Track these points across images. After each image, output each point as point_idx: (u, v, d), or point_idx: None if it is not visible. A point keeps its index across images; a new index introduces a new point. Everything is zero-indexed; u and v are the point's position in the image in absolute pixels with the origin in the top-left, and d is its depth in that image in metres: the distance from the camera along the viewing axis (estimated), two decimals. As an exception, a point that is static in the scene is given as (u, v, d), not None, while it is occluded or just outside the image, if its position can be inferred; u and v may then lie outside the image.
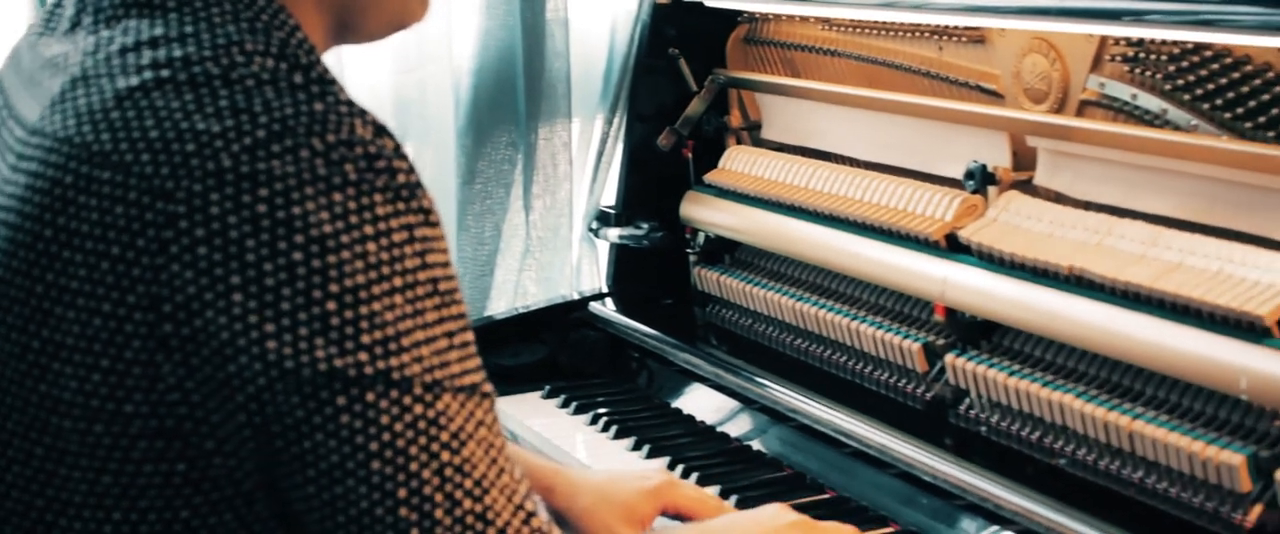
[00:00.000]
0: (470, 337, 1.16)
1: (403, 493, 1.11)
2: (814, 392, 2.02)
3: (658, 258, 2.52)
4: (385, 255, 1.10)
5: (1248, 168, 1.65)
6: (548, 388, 2.31)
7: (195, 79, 1.13)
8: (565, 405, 2.25)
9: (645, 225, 2.50)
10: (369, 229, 1.09)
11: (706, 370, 2.21)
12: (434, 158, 2.37)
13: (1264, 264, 1.59)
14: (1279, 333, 1.54)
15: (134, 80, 1.14)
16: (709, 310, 2.41)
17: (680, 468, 1.98)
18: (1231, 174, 1.67)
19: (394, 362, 1.10)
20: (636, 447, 2.08)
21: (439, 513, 1.12)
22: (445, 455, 1.13)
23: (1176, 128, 1.76)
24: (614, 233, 2.52)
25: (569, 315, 2.45)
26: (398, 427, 1.11)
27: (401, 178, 1.12)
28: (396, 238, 1.11)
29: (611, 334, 2.41)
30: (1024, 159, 1.96)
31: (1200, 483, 1.60)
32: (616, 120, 2.52)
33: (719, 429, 2.14)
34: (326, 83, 1.16)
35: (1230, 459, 1.55)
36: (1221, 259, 1.63)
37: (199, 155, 1.09)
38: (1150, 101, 1.80)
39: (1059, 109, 1.93)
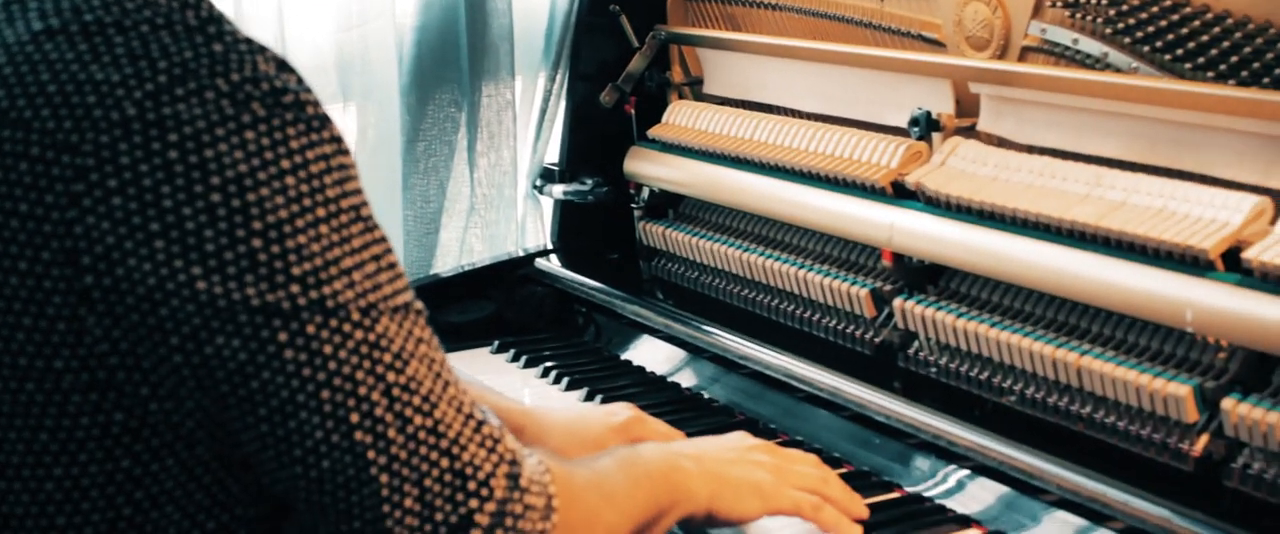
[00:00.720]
0: (395, 258, 1.18)
1: (355, 418, 1.13)
2: (763, 341, 2.04)
3: (602, 213, 2.54)
4: (305, 187, 1.11)
5: (1188, 107, 1.68)
6: (497, 343, 2.32)
7: (87, 28, 1.12)
8: (515, 359, 2.27)
9: (590, 181, 2.52)
10: (285, 163, 1.10)
11: (655, 322, 2.23)
12: (378, 116, 2.37)
13: (1206, 200, 1.62)
14: (1222, 266, 1.58)
15: (24, 33, 1.13)
16: (654, 264, 2.42)
17: (628, 411, 1.99)
18: (1172, 114, 1.71)
19: (327, 290, 1.11)
20: (589, 397, 2.09)
21: (392, 432, 1.14)
22: (391, 376, 1.14)
23: (1118, 71, 1.80)
24: (558, 189, 2.54)
25: (515, 272, 2.46)
26: (342, 354, 1.12)
27: (310, 109, 1.13)
28: (314, 169, 1.12)
29: (558, 289, 2.43)
30: (967, 106, 1.99)
31: (1148, 415, 1.64)
32: (559, 77, 2.53)
33: (670, 379, 2.17)
34: (221, 22, 1.15)
35: (1177, 391, 1.59)
36: (1164, 197, 1.67)
37: (101, 106, 1.09)
38: (1091, 46, 1.84)
39: (1001, 56, 1.96)
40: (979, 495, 1.68)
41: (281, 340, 1.11)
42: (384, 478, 1.15)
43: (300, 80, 1.15)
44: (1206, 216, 1.61)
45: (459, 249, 2.49)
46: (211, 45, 1.12)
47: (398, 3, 2.37)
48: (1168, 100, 1.70)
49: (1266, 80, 1.65)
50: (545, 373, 2.19)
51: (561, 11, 2.51)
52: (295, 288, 1.11)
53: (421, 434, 1.17)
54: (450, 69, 2.43)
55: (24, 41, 1.13)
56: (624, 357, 2.27)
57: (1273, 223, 1.57)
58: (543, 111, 2.53)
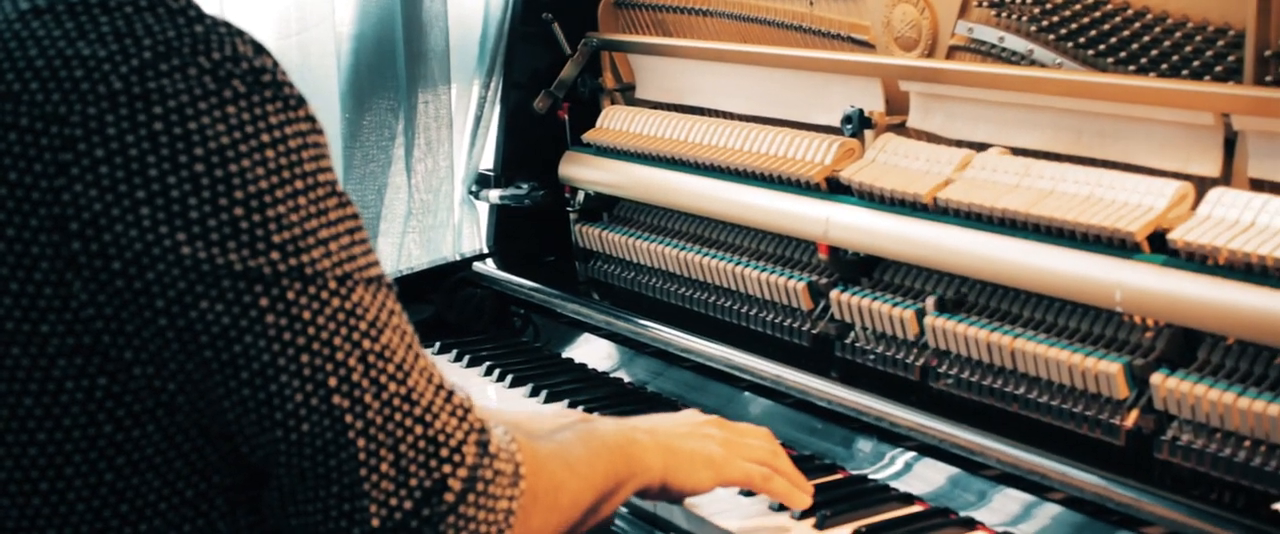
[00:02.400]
0: (366, 234, 1.23)
1: (333, 382, 1.17)
2: (702, 336, 2.09)
3: (537, 218, 2.59)
4: (284, 160, 1.16)
5: (1111, 99, 1.76)
6: (438, 344, 2.36)
7: (73, 8, 1.17)
8: (458, 359, 2.30)
9: (526, 185, 2.56)
10: (265, 137, 1.15)
11: (595, 319, 2.28)
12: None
13: (1130, 186, 1.70)
14: (1148, 248, 1.66)
15: (11, 12, 1.18)
16: (590, 266, 2.47)
17: (579, 411, 2.04)
18: (1096, 106, 1.79)
19: (305, 258, 1.16)
20: (533, 394, 2.14)
21: (368, 398, 1.19)
22: (366, 343, 1.19)
23: (1043, 66, 1.88)
24: (495, 194, 2.58)
25: (453, 276, 2.50)
26: (320, 320, 1.17)
27: (287, 90, 1.19)
28: (292, 144, 1.17)
29: (496, 292, 2.47)
30: (897, 105, 2.06)
31: (1081, 393, 1.71)
32: (493, 85, 2.57)
33: (611, 375, 2.21)
34: (199, 7, 1.20)
35: (1108, 368, 1.67)
36: (1091, 184, 1.74)
37: (88, 79, 1.14)
38: (1017, 43, 1.91)
39: (929, 55, 2.03)
40: (922, 474, 1.75)
41: (263, 305, 1.15)
42: (361, 442, 1.19)
43: (276, 63, 1.20)
44: (1132, 202, 1.69)
45: (397, 254, 2.53)
46: (193, 26, 1.16)
47: (337, 10, 2.41)
48: (1091, 93, 1.78)
49: (1185, 72, 1.73)
50: (489, 370, 2.23)
51: (495, 20, 2.56)
52: (276, 255, 1.15)
53: (396, 400, 1.21)
54: (387, 76, 2.47)
55: (12, 20, 1.17)
56: (565, 354, 2.31)
57: (1194, 207, 1.65)
58: (478, 118, 2.57)
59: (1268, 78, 1.64)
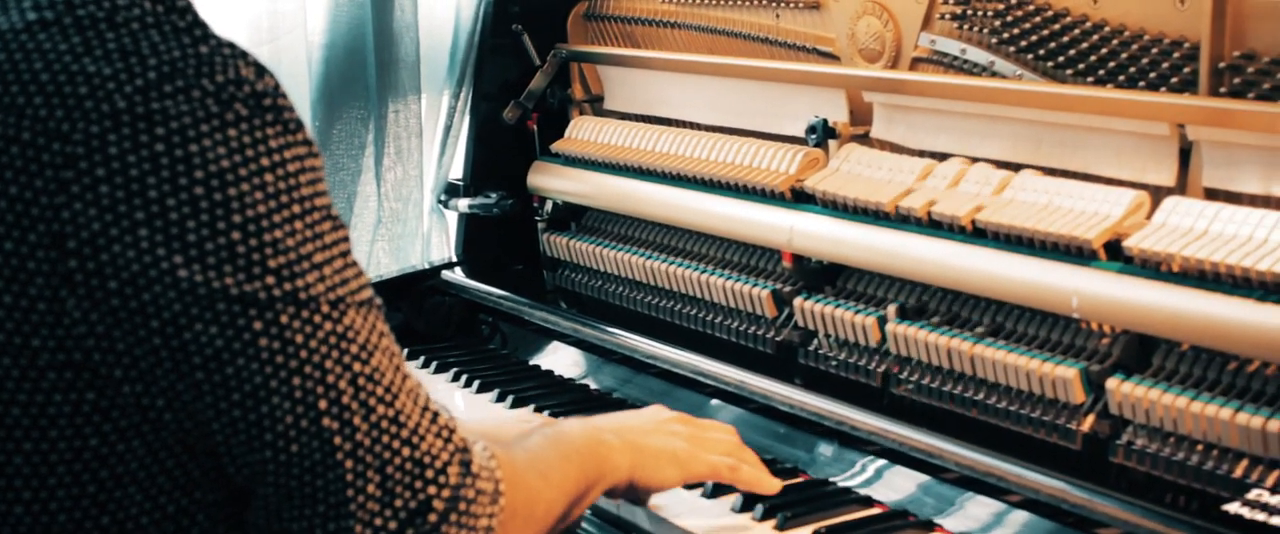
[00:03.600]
0: (354, 257, 1.25)
1: (323, 405, 1.19)
2: (668, 343, 2.11)
3: (506, 227, 2.61)
4: (282, 184, 1.18)
5: (1069, 109, 1.79)
6: (407, 351, 2.37)
7: (80, 22, 1.18)
8: (425, 366, 2.32)
9: (494, 195, 2.58)
10: (264, 161, 1.17)
11: (562, 327, 2.30)
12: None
13: (1088, 195, 1.73)
14: (1104, 256, 1.69)
15: (18, 22, 1.19)
16: (558, 275, 2.49)
17: (545, 415, 2.06)
18: (1055, 117, 1.82)
19: (300, 282, 1.18)
20: (499, 399, 2.15)
21: (357, 420, 1.21)
22: (357, 366, 1.21)
23: (1004, 77, 1.91)
24: (463, 203, 2.60)
25: (422, 284, 2.52)
26: (313, 344, 1.18)
27: (287, 113, 1.20)
28: (290, 168, 1.18)
29: (465, 300, 2.49)
30: (861, 115, 2.09)
31: (1038, 398, 1.74)
32: (463, 95, 2.59)
33: (578, 381, 2.23)
34: (205, 26, 1.22)
35: (1065, 374, 1.69)
36: (1049, 193, 1.77)
37: (92, 97, 1.14)
38: (978, 55, 1.95)
39: (893, 66, 2.06)
40: (883, 477, 1.77)
41: (257, 329, 1.17)
42: (349, 463, 1.21)
43: (278, 85, 1.21)
44: (1089, 210, 1.72)
45: (366, 262, 2.54)
46: (198, 47, 1.17)
47: (309, 19, 2.43)
48: (1050, 104, 1.81)
49: (1142, 83, 1.76)
50: (456, 377, 2.25)
51: (466, 31, 2.58)
52: (271, 279, 1.17)
53: (383, 423, 1.23)
54: (358, 85, 2.48)
55: (17, 30, 1.18)
56: (532, 361, 2.33)
57: (1150, 215, 1.68)
58: (447, 127, 2.60)
59: (1222, 89, 1.67)
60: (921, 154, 1.99)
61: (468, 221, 2.63)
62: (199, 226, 1.15)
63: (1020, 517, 1.62)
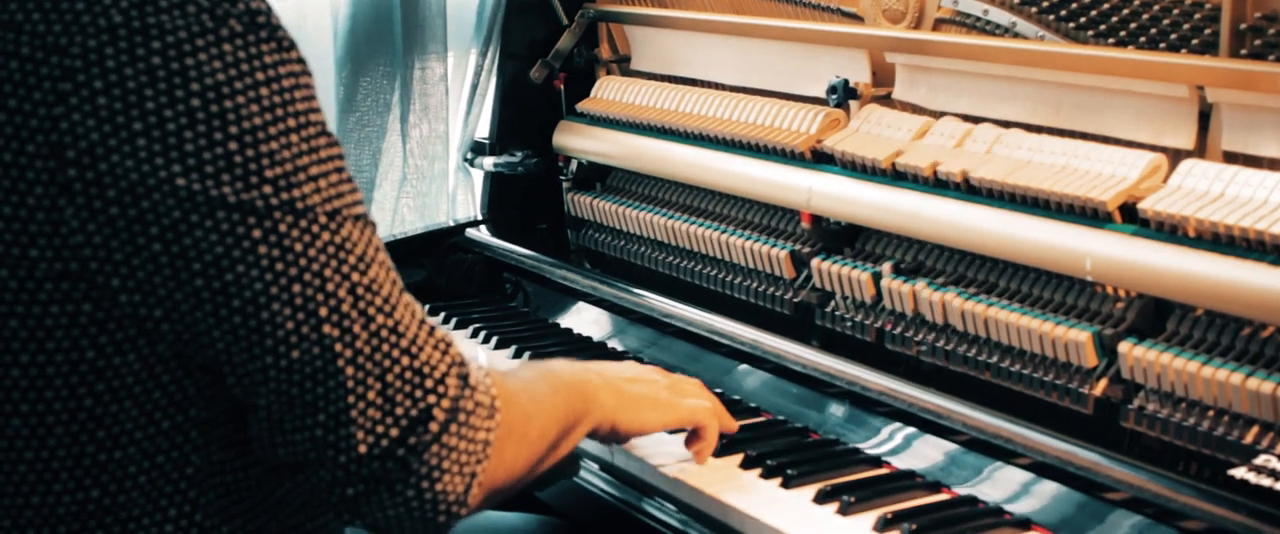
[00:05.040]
0: (351, 174, 1.26)
1: (324, 312, 1.21)
2: (688, 303, 2.11)
3: (531, 186, 2.61)
4: (277, 98, 1.20)
5: (1088, 71, 1.77)
6: (427, 307, 2.38)
7: None
8: (446, 322, 2.33)
9: (520, 154, 2.58)
10: (259, 76, 1.19)
11: (582, 285, 2.30)
12: (313, 83, 2.42)
13: (1105, 157, 1.72)
14: (1120, 218, 1.67)
15: None
16: (582, 234, 2.49)
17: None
18: (1075, 78, 1.80)
19: (297, 192, 1.20)
20: (517, 355, 2.16)
21: (356, 328, 1.23)
22: (355, 276, 1.23)
23: (1025, 39, 1.89)
24: (489, 162, 2.60)
25: (446, 241, 2.53)
26: (311, 252, 1.21)
27: (280, 32, 1.23)
28: (285, 83, 1.21)
29: (488, 257, 2.49)
30: (883, 77, 2.08)
31: (1051, 362, 1.72)
32: (490, 54, 2.59)
33: (595, 340, 2.23)
34: None
35: (1078, 337, 1.68)
36: (1067, 155, 1.76)
37: (89, 12, 1.17)
38: (1001, 16, 1.93)
39: (916, 28, 2.04)
40: (896, 439, 1.76)
41: (256, 236, 1.19)
42: (350, 370, 1.23)
43: (270, 7, 1.23)
44: (1105, 172, 1.70)
45: (391, 218, 2.55)
46: None
47: (335, -25, 2.44)
48: (1069, 65, 1.79)
49: (1163, 45, 1.74)
50: (475, 333, 2.26)
51: (493, -11, 2.58)
52: (268, 189, 1.19)
53: (383, 332, 1.25)
54: (384, 42, 2.49)
55: None
56: (552, 319, 2.33)
57: (1166, 178, 1.66)
58: (474, 87, 2.60)
59: (1243, 51, 1.65)
60: (943, 116, 1.97)
61: (493, 180, 2.63)
62: (196, 137, 1.17)
63: (1028, 478, 1.61)
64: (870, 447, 1.77)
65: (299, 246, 1.20)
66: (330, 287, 1.22)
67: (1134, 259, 1.63)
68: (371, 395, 1.24)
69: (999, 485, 1.63)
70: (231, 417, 1.28)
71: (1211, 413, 1.56)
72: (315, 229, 1.21)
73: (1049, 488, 1.59)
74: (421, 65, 2.52)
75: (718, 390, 1.95)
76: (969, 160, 1.83)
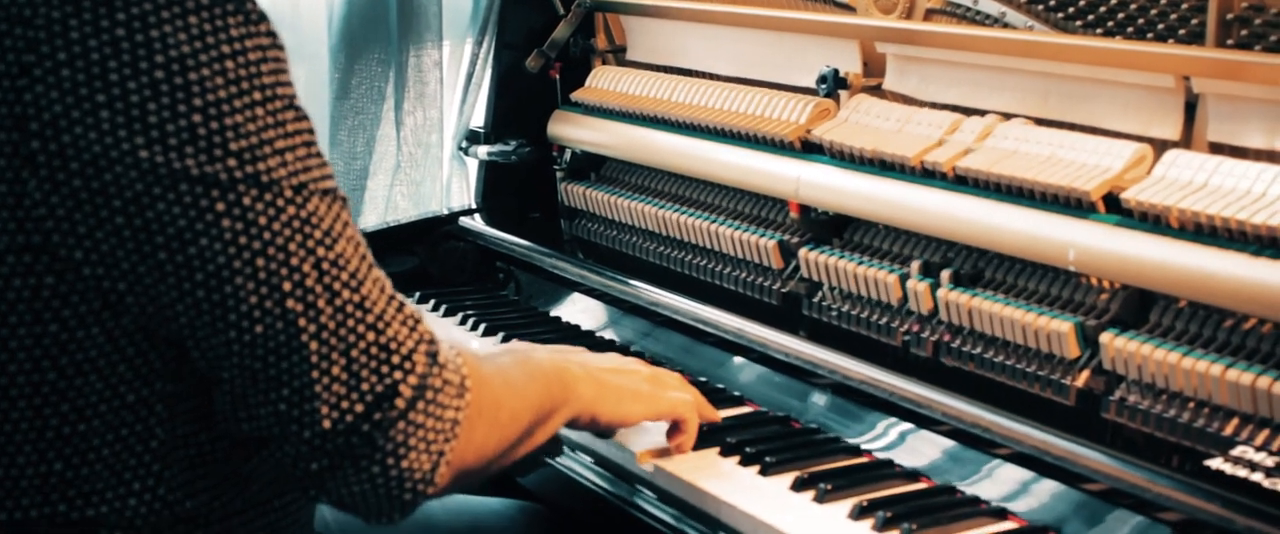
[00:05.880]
0: (320, 150, 1.26)
1: (287, 286, 1.20)
2: (677, 292, 2.10)
3: (526, 175, 2.61)
4: (243, 71, 1.19)
5: (1075, 61, 1.76)
6: (418, 294, 2.38)
7: None
8: (435, 309, 2.32)
9: (514, 142, 2.58)
10: (226, 48, 1.18)
11: (573, 274, 2.29)
12: (307, 72, 2.42)
13: (1091, 148, 1.71)
14: (1104, 208, 1.66)
15: None
16: (575, 224, 2.49)
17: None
18: (1063, 69, 1.79)
19: (262, 166, 1.19)
20: (505, 342, 2.15)
21: (321, 303, 1.22)
22: (321, 251, 1.22)
23: (1014, 30, 1.88)
24: (483, 150, 2.60)
25: (440, 229, 2.53)
26: (276, 226, 1.20)
27: (249, 5, 1.22)
28: (252, 56, 1.20)
29: (481, 246, 2.49)
30: (875, 67, 2.07)
31: (1033, 353, 1.71)
32: (486, 43, 2.59)
33: (584, 328, 2.23)
34: None
35: (1060, 327, 1.67)
36: (1053, 145, 1.75)
37: None
38: (990, 6, 1.92)
39: (907, 18, 2.04)
40: (880, 429, 1.75)
41: (219, 210, 1.18)
42: (314, 345, 1.22)
43: None
44: (1090, 163, 1.69)
45: (385, 205, 2.55)
46: None
47: (329, -38, 2.43)
48: (1055, 55, 1.79)
49: (1150, 35, 1.73)
50: (464, 320, 2.25)
51: (489, -22, 2.58)
52: (232, 162, 1.19)
53: (349, 307, 1.24)
54: (379, 29, 2.49)
55: None
56: (542, 309, 2.33)
57: (1151, 169, 1.65)
58: (469, 75, 2.59)
59: (1229, 41, 1.64)
60: (933, 106, 1.97)
61: (488, 169, 2.63)
62: (159, 109, 1.16)
63: (1007, 469, 1.60)
64: (852, 436, 1.76)
65: (263, 220, 1.20)
66: (294, 261, 1.21)
67: (1116, 249, 1.62)
68: (336, 371, 1.23)
69: (980, 476, 1.62)
70: (197, 390, 1.28)
71: (1192, 405, 1.55)
72: (280, 203, 1.21)
73: (1027, 478, 1.58)
74: (416, 53, 2.52)
75: (703, 380, 1.95)
76: (956, 150, 1.83)
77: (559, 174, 2.54)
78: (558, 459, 1.81)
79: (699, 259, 2.21)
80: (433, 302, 2.35)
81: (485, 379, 1.36)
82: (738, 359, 1.98)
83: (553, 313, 2.31)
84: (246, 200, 1.19)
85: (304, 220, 1.22)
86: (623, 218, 2.37)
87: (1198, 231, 1.56)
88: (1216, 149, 1.65)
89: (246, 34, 1.20)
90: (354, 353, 1.24)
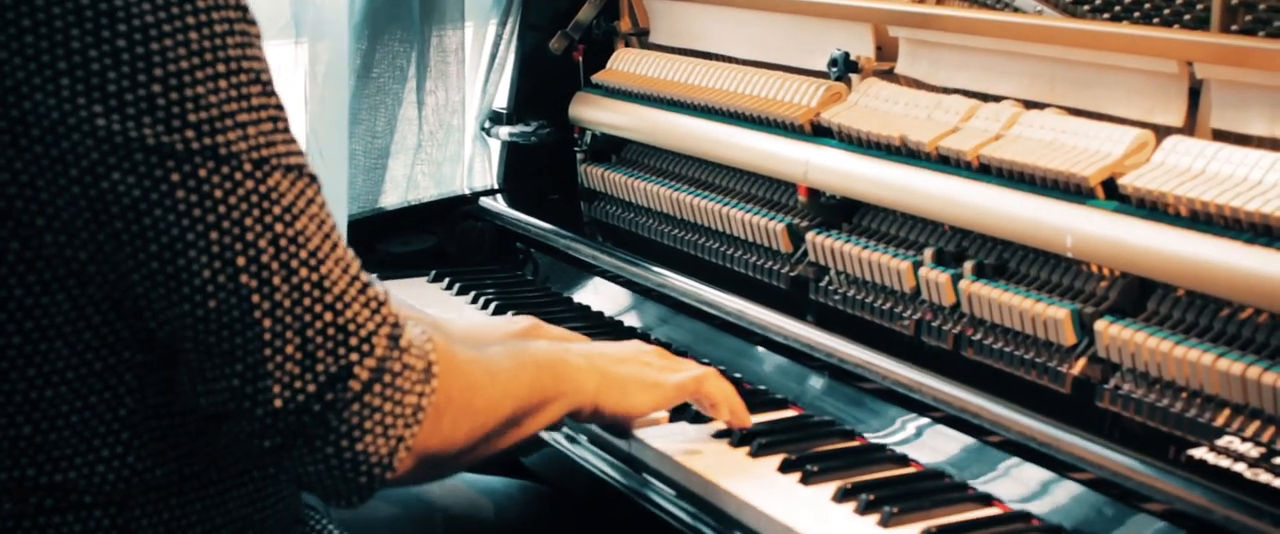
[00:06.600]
0: (290, 126, 1.26)
1: (241, 261, 1.20)
2: (690, 276, 2.09)
3: (548, 157, 2.61)
4: (207, 43, 1.19)
5: (1079, 45, 1.74)
6: (434, 272, 2.39)
7: None
8: (449, 287, 2.33)
9: (534, 123, 2.58)
10: (191, 19, 1.18)
11: (584, 254, 2.29)
12: (330, 51, 2.43)
13: (1093, 133, 1.69)
14: (1102, 194, 1.64)
15: None
16: (594, 206, 2.49)
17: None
18: (1070, 54, 1.77)
19: (221, 138, 1.19)
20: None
21: (277, 280, 1.21)
22: (279, 227, 1.22)
23: (1023, 14, 1.86)
24: (504, 131, 2.61)
25: (460, 209, 2.54)
26: (232, 200, 1.20)
27: None
28: (218, 29, 1.20)
29: (498, 226, 2.50)
30: (888, 51, 2.06)
31: (1030, 339, 1.70)
32: (510, 24, 2.59)
33: (594, 308, 2.23)
34: None
35: (1056, 314, 1.65)
36: (1056, 130, 1.73)
37: None
38: (1001, -11, 1.90)
39: (920, 1, 2.02)
40: (880, 414, 1.75)
41: (174, 180, 1.19)
42: (267, 323, 1.22)
43: None
44: (1091, 148, 1.67)
45: (406, 185, 2.56)
46: None
47: (352, -59, 2.44)
48: (1059, 39, 1.77)
49: (1156, 20, 1.71)
50: (475, 298, 2.26)
51: (514, -40, 2.58)
52: (190, 133, 1.18)
53: (306, 286, 1.24)
54: (402, 9, 2.49)
55: None
56: (556, 290, 2.33)
57: (1151, 156, 1.63)
58: (492, 56, 2.60)
59: (1233, 26, 1.61)
60: (944, 91, 1.95)
61: (510, 150, 2.63)
62: (119, 78, 1.17)
63: (997, 455, 1.58)
64: (848, 422, 1.75)
65: (218, 194, 1.20)
66: (250, 236, 1.21)
67: (1113, 236, 1.61)
68: (289, 349, 1.23)
69: (972, 462, 1.60)
70: (167, 361, 1.28)
71: (1185, 394, 1.53)
72: (238, 176, 1.20)
73: (1015, 464, 1.56)
74: (439, 34, 2.52)
75: (706, 362, 1.94)
76: (960, 135, 1.81)
77: (579, 156, 2.54)
78: (557, 440, 1.81)
79: (712, 242, 2.21)
80: (447, 280, 2.36)
81: (458, 366, 1.35)
82: (734, 340, 1.97)
83: (568, 295, 2.31)
84: (202, 172, 1.19)
85: (263, 195, 1.21)
86: (640, 200, 2.37)
87: (1193, 219, 1.54)
88: (1220, 136, 1.63)
89: (214, 5, 1.20)
90: (309, 332, 1.23)
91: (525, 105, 2.62)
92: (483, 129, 2.63)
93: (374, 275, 1.31)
